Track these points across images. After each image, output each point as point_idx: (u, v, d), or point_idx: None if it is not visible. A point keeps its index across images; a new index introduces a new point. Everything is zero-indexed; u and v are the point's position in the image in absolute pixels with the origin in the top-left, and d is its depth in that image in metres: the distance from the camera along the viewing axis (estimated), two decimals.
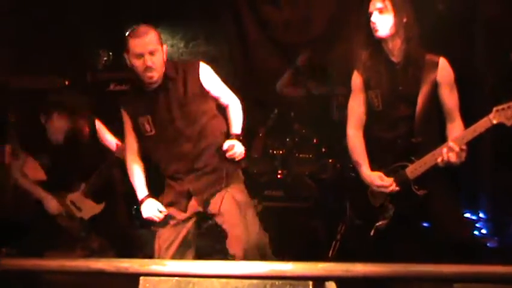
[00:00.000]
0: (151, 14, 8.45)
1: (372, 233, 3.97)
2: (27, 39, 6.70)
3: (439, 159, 3.68)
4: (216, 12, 7.83)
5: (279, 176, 5.98)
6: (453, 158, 3.63)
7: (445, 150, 3.66)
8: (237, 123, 3.97)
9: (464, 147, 3.65)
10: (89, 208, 4.78)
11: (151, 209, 3.87)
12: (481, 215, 6.40)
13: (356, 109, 4.07)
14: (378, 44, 3.92)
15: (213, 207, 3.88)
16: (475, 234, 5.81)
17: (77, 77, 6.45)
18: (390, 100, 3.91)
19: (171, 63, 3.86)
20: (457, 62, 6.28)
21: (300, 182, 5.92)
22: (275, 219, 5.60)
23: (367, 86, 3.99)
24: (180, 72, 3.82)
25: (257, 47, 7.85)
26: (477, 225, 6.27)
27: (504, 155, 5.94)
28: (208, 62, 3.94)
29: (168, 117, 3.79)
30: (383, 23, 3.82)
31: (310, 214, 5.65)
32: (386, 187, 3.90)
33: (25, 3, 6.65)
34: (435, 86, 3.85)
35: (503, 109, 3.55)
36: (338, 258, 5.20)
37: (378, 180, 3.92)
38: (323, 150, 6.10)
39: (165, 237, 3.90)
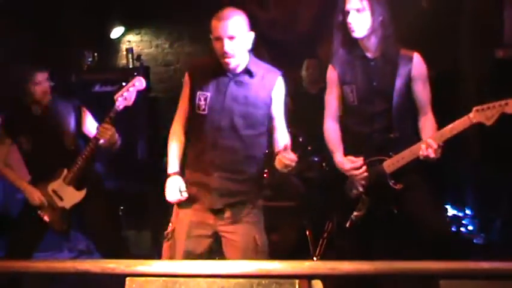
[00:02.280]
0: (136, 14, 8.46)
1: (348, 225, 4.03)
2: (11, 40, 6.68)
3: (420, 153, 3.74)
4: (201, 13, 7.83)
5: (265, 175, 5.97)
6: (432, 154, 3.69)
7: (423, 146, 3.73)
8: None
9: (441, 144, 3.71)
10: (70, 196, 4.70)
11: (173, 187, 3.67)
12: (467, 211, 6.44)
13: (332, 102, 4.14)
14: (353, 40, 3.96)
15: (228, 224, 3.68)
16: (452, 228, 5.87)
17: (62, 78, 6.42)
18: (365, 95, 3.97)
19: (254, 60, 3.71)
20: (442, 59, 6.35)
21: (286, 181, 5.92)
22: None
23: (342, 81, 4.04)
24: (260, 72, 3.67)
25: None
26: (463, 221, 6.31)
27: (490, 152, 5.97)
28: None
29: (229, 108, 3.61)
30: (360, 23, 3.85)
31: (297, 213, 5.65)
32: (357, 169, 3.94)
33: (10, 3, 6.62)
34: (409, 81, 3.92)
35: (483, 109, 3.61)
36: (325, 256, 5.23)
37: (348, 163, 3.98)
38: (309, 148, 6.10)
39: (181, 248, 3.65)
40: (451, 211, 6.48)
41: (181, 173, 3.75)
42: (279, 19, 7.83)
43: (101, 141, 4.50)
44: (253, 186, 3.73)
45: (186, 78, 3.80)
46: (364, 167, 3.94)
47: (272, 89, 3.66)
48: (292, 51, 7.37)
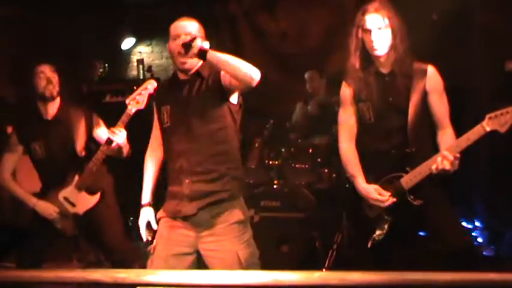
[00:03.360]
0: (146, 26, 8.51)
1: (369, 245, 3.95)
2: (22, 50, 6.72)
3: (434, 167, 3.67)
4: (211, 24, 7.87)
5: (275, 187, 5.98)
6: (448, 166, 3.61)
7: (439, 159, 3.65)
8: None
9: (458, 155, 3.64)
10: (83, 202, 4.73)
11: (142, 222, 3.76)
12: (477, 223, 6.42)
13: (347, 121, 4.06)
14: (369, 57, 3.91)
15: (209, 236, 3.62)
16: (473, 242, 5.82)
17: (73, 88, 6.46)
18: (381, 112, 3.90)
19: (207, 63, 3.64)
20: (452, 72, 6.35)
21: (296, 192, 5.93)
22: (272, 229, 5.61)
23: (357, 99, 3.97)
24: (211, 71, 3.64)
25: (253, 58, 7.88)
26: (473, 233, 6.29)
27: (500, 164, 5.96)
28: None
29: (185, 111, 3.61)
30: (382, 41, 3.79)
31: (307, 224, 5.65)
32: (382, 202, 3.87)
33: (21, 14, 6.67)
34: (425, 95, 3.85)
35: (496, 116, 3.55)
36: (334, 267, 5.22)
37: (375, 193, 3.88)
38: (319, 160, 6.11)
39: (160, 266, 3.60)
40: None
41: (154, 200, 3.79)
42: (289, 32, 7.87)
43: (113, 144, 4.49)
44: (228, 184, 3.63)
45: (154, 102, 3.87)
46: (391, 199, 3.87)
47: (220, 78, 3.59)
48: (302, 64, 7.40)
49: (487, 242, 6.15)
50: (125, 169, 5.11)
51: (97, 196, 4.76)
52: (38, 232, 4.76)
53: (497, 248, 5.92)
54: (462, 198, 6.57)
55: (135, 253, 4.99)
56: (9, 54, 6.63)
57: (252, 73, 3.48)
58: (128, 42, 8.79)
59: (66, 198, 4.72)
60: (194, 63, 3.64)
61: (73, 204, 4.72)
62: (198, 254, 3.67)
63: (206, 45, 3.47)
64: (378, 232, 3.95)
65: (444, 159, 3.63)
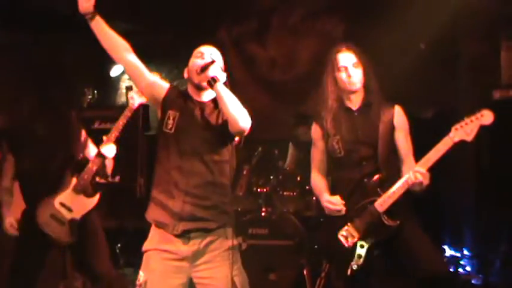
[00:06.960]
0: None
1: (348, 273, 4.00)
2: (12, 75, 6.74)
3: (405, 180, 3.84)
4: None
5: (263, 214, 5.97)
6: (420, 179, 3.77)
7: (412, 174, 3.80)
8: None
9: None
10: (81, 205, 4.71)
11: None
12: (465, 252, 6.42)
13: (317, 156, 4.31)
14: (339, 95, 4.11)
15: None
16: (449, 266, 5.86)
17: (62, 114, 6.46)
18: (351, 145, 4.08)
19: None
20: (439, 100, 6.39)
21: (284, 220, 5.91)
22: (260, 257, 5.59)
23: (326, 136, 4.15)
24: None
25: (243, 85, 7.92)
26: (461, 262, 6.28)
27: (488, 192, 5.97)
28: None
29: (195, 132, 3.59)
30: (357, 77, 4.02)
31: (295, 252, 5.63)
32: (335, 204, 4.04)
33: (11, 40, 6.69)
34: (392, 129, 4.06)
35: (461, 127, 3.75)
36: None
37: (333, 200, 4.07)
38: (307, 187, 6.11)
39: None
40: (448, 251, 6.46)
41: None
42: (278, 59, 7.91)
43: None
44: (218, 216, 3.59)
45: (161, 101, 3.75)
46: (342, 205, 4.03)
47: None
48: (290, 91, 7.44)
49: (476, 271, 6.15)
50: (110, 196, 5.09)
51: (96, 198, 4.76)
52: (29, 253, 4.71)
53: (486, 276, 5.92)
54: (450, 226, 6.59)
55: (123, 281, 4.95)
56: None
57: (242, 122, 3.50)
58: (116, 69, 8.79)
59: (62, 204, 4.67)
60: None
61: (70, 209, 4.67)
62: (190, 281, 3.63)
63: (220, 76, 3.57)
64: (355, 261, 4.00)
65: (417, 173, 3.79)
